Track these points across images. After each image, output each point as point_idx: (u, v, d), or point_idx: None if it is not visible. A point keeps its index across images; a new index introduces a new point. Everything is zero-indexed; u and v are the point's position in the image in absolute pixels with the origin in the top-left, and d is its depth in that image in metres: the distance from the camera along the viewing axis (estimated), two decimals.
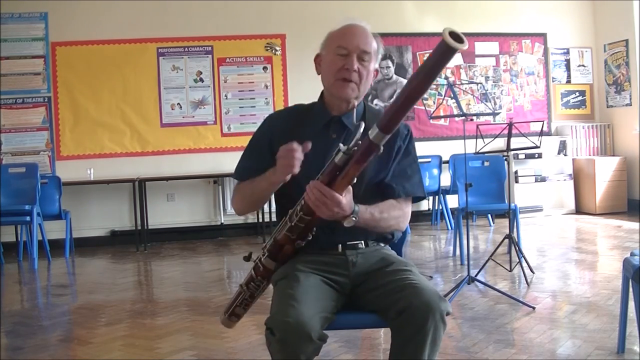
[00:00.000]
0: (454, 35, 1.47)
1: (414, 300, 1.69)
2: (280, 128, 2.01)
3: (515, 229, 4.74)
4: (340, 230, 1.90)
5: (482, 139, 4.54)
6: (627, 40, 7.52)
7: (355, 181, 1.74)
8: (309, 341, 1.63)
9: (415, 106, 8.45)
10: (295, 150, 1.78)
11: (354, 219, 1.79)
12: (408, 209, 2.01)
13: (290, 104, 2.24)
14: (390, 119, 1.62)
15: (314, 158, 1.90)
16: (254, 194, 1.99)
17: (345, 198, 1.75)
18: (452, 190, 6.48)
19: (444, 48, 1.48)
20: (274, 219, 2.16)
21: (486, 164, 5.22)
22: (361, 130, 1.70)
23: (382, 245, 2.05)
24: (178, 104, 7.05)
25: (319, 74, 2.04)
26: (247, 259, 2.03)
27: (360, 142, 1.68)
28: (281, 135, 1.97)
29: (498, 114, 7.49)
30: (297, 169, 1.78)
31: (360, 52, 1.92)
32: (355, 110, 1.99)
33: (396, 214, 1.95)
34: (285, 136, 1.95)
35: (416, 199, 2.04)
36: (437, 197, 7.13)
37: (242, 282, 2.03)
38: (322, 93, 2.06)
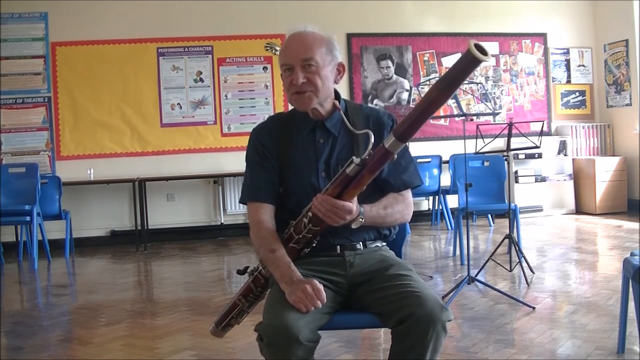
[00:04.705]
0: (479, 48, 1.50)
1: (417, 310, 1.69)
2: (269, 140, 2.01)
3: (515, 229, 4.74)
4: (339, 233, 1.92)
5: (482, 139, 4.54)
6: (627, 40, 7.52)
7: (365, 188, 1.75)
8: (297, 344, 1.63)
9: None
10: (316, 297, 1.71)
11: (361, 219, 1.81)
12: (410, 199, 2.02)
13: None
14: (408, 127, 1.63)
15: (305, 164, 1.93)
16: (266, 264, 1.91)
17: (354, 203, 1.77)
18: (452, 190, 6.47)
19: (469, 59, 1.50)
20: None
21: (486, 164, 5.22)
22: (372, 140, 1.70)
23: (381, 245, 2.06)
24: (178, 104, 7.05)
25: None
26: (242, 272, 2.02)
27: (372, 151, 1.69)
28: (272, 146, 1.99)
29: (498, 114, 7.49)
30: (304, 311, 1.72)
31: (301, 61, 1.90)
32: (335, 113, 1.97)
33: (400, 207, 1.96)
34: (276, 146, 1.98)
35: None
36: (437, 197, 7.13)
37: (239, 293, 2.01)
38: None
